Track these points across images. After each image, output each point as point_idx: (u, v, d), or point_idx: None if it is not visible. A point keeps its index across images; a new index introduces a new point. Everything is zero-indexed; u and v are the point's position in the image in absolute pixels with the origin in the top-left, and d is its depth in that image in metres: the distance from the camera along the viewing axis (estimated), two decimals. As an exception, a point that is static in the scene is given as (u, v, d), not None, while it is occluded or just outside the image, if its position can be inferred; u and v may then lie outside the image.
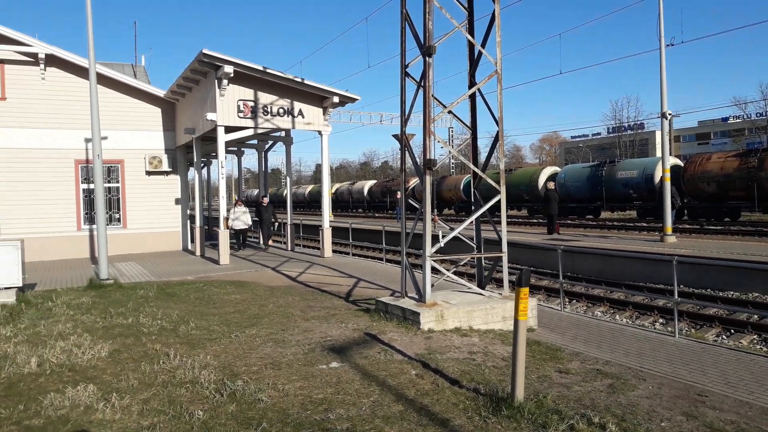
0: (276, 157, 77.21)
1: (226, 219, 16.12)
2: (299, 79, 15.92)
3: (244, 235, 19.82)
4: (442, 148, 67.06)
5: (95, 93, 12.88)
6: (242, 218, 19.02)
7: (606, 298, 13.38)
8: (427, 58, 8.05)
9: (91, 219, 18.42)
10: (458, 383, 5.53)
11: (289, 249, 18.97)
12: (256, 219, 20.45)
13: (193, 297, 10.56)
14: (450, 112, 8.65)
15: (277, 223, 21.82)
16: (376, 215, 46.36)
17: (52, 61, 18.03)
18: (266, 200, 19.89)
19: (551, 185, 24.06)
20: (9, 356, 6.62)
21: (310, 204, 60.52)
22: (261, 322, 8.27)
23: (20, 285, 10.43)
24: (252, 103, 15.88)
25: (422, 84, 8.22)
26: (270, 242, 20.08)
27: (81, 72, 17.90)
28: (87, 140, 18.15)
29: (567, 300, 13.28)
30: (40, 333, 7.82)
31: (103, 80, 18.10)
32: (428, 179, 8.14)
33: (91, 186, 17.48)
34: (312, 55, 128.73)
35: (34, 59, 17.83)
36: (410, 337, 7.24)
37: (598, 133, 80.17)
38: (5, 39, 17.35)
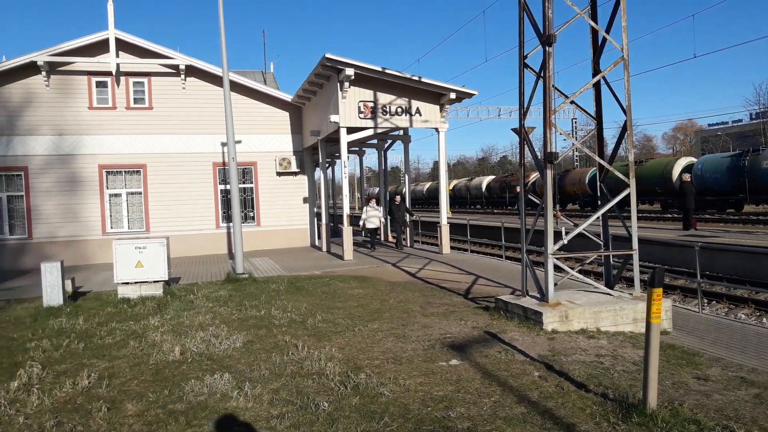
0: (395, 156, 78.40)
1: (350, 216, 16.54)
2: (416, 78, 15.98)
3: (377, 234, 19.23)
4: (564, 140, 64.59)
5: (229, 100, 13.71)
6: (374, 217, 18.69)
7: (751, 300, 12.21)
8: (546, 48, 7.74)
9: (228, 217, 19.70)
10: (584, 387, 5.27)
11: (408, 245, 19.10)
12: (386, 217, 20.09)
13: (319, 291, 10.93)
14: (572, 102, 8.27)
15: (410, 221, 19.84)
16: (495, 211, 45.56)
17: (191, 71, 19.47)
18: (399, 198, 19.13)
19: (687, 177, 22.30)
20: (156, 344, 7.21)
21: (428, 200, 60.70)
22: (382, 317, 8.39)
23: (166, 279, 11.35)
24: (372, 104, 16.17)
25: (542, 74, 7.92)
26: (390, 238, 20.35)
27: (216, 80, 19.19)
28: (223, 144, 19.43)
29: (705, 301, 12.27)
30: (183, 323, 8.44)
31: (236, 87, 19.29)
32: (549, 173, 7.83)
33: (228, 187, 18.68)
34: (429, 52, 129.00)
35: (175, 70, 19.35)
36: (532, 337, 7.01)
37: (739, 120, 73.35)
38: (152, 53, 18.97)
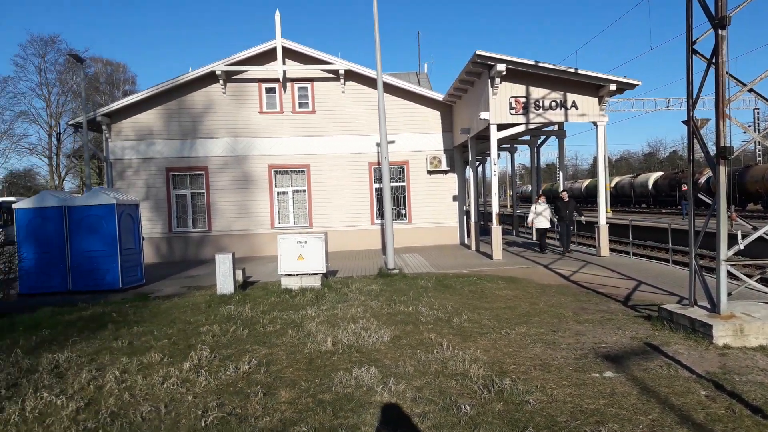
0: (550, 152, 75.41)
1: (499, 215, 16.15)
2: (572, 69, 15.17)
3: (548, 235, 17.61)
4: (744, 133, 57.90)
5: (382, 103, 14.02)
6: (545, 216, 17.13)
7: None
8: (719, 31, 6.92)
9: (382, 214, 20.24)
10: (761, 412, 4.62)
11: (563, 246, 18.21)
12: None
13: (467, 290, 10.80)
14: (751, 90, 7.31)
15: (580, 221, 18.17)
16: (663, 211, 42.04)
17: (349, 75, 20.25)
18: (566, 195, 17.21)
19: None
20: (312, 334, 7.56)
21: (586, 199, 57.62)
22: (531, 321, 8.07)
23: (324, 272, 11.90)
24: (523, 99, 15.65)
25: (714, 61, 7.09)
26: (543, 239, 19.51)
27: (373, 83, 19.77)
28: (378, 144, 19.97)
29: None
30: (337, 315, 8.78)
31: (390, 89, 19.73)
32: (722, 170, 7.00)
33: (381, 185, 19.19)
34: (588, 43, 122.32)
35: (335, 75, 20.24)
36: (699, 352, 6.31)
37: None
38: (315, 60, 20.02)
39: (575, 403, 4.95)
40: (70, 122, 21.43)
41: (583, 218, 16.95)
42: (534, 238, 20.93)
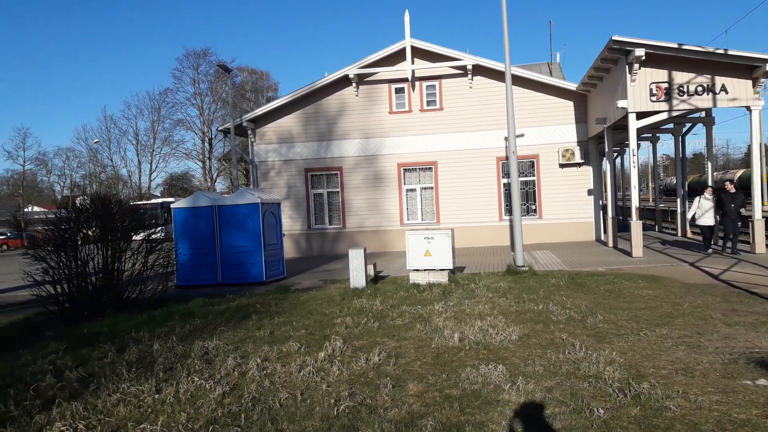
0: (697, 141, 69.27)
1: (639, 209, 15.15)
2: (721, 51, 13.82)
3: (713, 233, 15.46)
4: None
5: (510, 95, 13.69)
6: (711, 210, 14.97)
7: None
8: None
9: (510, 210, 19.78)
10: None
11: (731, 247, 16.42)
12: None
13: (602, 289, 10.26)
14: None
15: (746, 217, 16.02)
16: (834, 201, 37.05)
17: (477, 70, 20.00)
18: (731, 186, 15.24)
19: None
20: (439, 329, 7.58)
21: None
22: (674, 322, 7.48)
23: (451, 268, 11.88)
24: (665, 85, 14.51)
25: None
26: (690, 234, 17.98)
27: (501, 76, 19.36)
28: (506, 139, 19.53)
29: None
30: (464, 311, 8.72)
31: (519, 81, 19.20)
32: None
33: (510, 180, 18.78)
34: (741, 21, 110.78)
35: (463, 71, 20.09)
36: None
37: None
38: (442, 57, 20.01)
39: (722, 411, 4.52)
40: (220, 128, 23.24)
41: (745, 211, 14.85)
42: (680, 234, 19.37)
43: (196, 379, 5.88)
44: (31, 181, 69.77)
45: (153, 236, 11.05)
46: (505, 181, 20.03)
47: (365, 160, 20.97)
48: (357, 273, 11.96)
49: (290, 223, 21.00)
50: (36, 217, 67.46)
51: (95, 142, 64.31)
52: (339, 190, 21.20)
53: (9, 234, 57.98)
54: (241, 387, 5.73)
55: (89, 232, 10.10)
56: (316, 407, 5.08)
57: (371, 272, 13.12)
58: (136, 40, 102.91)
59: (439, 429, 4.50)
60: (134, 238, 10.67)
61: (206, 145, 52.79)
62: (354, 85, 20.64)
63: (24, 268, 9.90)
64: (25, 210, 65.53)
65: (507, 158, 19.78)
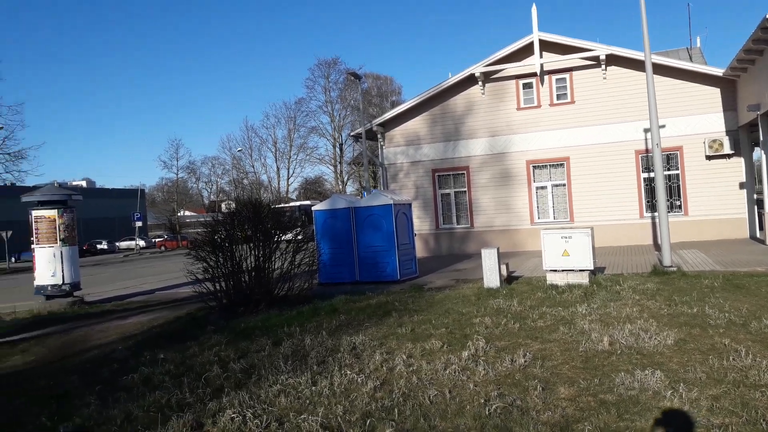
0: None
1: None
2: None
3: None
4: None
5: (652, 85, 12.87)
6: None
7: None
8: None
9: (652, 207, 18.57)
10: None
11: None
12: None
13: (764, 291, 9.33)
14: None
15: None
16: None
17: (611, 60, 18.99)
18: None
19: None
20: (585, 332, 7.28)
21: None
22: None
23: (592, 268, 11.37)
24: (837, 64, 12.88)
25: None
26: None
27: (637, 65, 18.22)
28: (645, 130, 18.35)
29: None
30: (610, 314, 8.31)
31: (658, 69, 17.91)
32: None
33: (651, 174, 17.62)
34: None
35: (595, 62, 19.16)
36: None
37: None
38: (572, 49, 19.24)
39: None
40: (351, 133, 24.09)
41: None
42: None
43: (348, 372, 6.13)
44: (182, 188, 76.46)
45: (298, 237, 11.66)
46: (644, 175, 18.82)
47: (493, 158, 20.67)
48: (490, 273, 11.81)
49: (419, 223, 21.21)
50: (188, 220, 74.05)
51: (239, 151, 69.20)
52: (466, 189, 21.08)
53: (166, 236, 63.87)
54: (390, 382, 5.88)
55: (242, 234, 10.88)
56: (467, 406, 5.09)
57: (504, 272, 12.90)
58: (272, 54, 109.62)
59: (597, 434, 4.34)
60: (282, 238, 11.33)
61: (337, 150, 54.84)
62: (480, 83, 20.43)
63: (187, 267, 10.87)
64: (179, 214, 71.99)
65: (647, 151, 18.59)
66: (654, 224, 18.37)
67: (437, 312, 9.35)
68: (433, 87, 21.13)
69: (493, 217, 20.64)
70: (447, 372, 6.03)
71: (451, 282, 13.28)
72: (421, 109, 21.53)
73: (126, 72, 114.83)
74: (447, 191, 21.48)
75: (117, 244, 59.73)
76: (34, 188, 38.71)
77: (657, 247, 16.83)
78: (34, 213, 14.53)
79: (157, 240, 61.95)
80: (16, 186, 49.01)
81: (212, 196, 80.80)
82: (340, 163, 54.98)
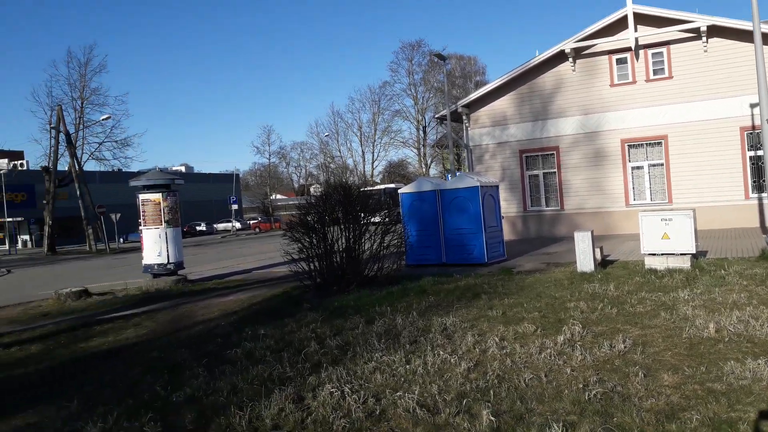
0: None
1: None
2: None
3: None
4: None
5: (761, 56, 11.90)
6: None
7: None
8: None
9: (759, 187, 17.25)
10: None
11: None
12: None
13: None
14: None
15: None
16: None
17: (713, 31, 17.69)
18: None
19: None
20: (688, 319, 6.92)
21: None
22: None
23: (694, 252, 10.76)
24: None
25: None
26: None
27: (743, 36, 16.86)
28: (752, 106, 17.01)
29: None
30: (715, 300, 7.84)
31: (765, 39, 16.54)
32: None
33: (759, 153, 16.36)
34: None
35: (695, 34, 17.91)
36: None
37: None
38: (671, 21, 18.08)
39: None
40: (436, 116, 23.93)
41: None
42: None
43: (441, 353, 6.16)
44: (273, 172, 79.15)
45: (386, 219, 11.79)
46: (751, 154, 17.48)
47: (584, 137, 19.88)
48: (584, 256, 11.44)
49: (505, 205, 20.78)
50: (279, 203, 76.69)
51: (326, 136, 70.65)
52: (555, 170, 20.44)
53: (259, 219, 66.54)
54: (483, 364, 5.86)
55: (333, 217, 11.13)
56: (564, 390, 4.98)
57: (598, 256, 12.45)
58: (358, 39, 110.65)
59: (706, 424, 4.12)
60: (372, 220, 11.50)
61: (420, 133, 54.73)
62: (570, 60, 19.65)
63: (283, 248, 11.27)
64: (271, 197, 74.70)
65: (753, 128, 17.24)
66: (761, 206, 17.07)
67: (528, 296, 9.18)
68: (520, 65, 20.56)
69: (584, 199, 19.91)
70: (542, 356, 5.92)
71: (541, 265, 12.98)
72: (507, 88, 21.01)
73: (221, 63, 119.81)
74: (535, 172, 20.92)
75: (214, 226, 62.86)
76: (139, 173, 41.36)
77: (765, 230, 15.66)
78: (141, 196, 15.53)
79: (251, 222, 64.69)
80: (122, 171, 52.57)
81: (301, 180, 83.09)
82: (423, 145, 54.84)
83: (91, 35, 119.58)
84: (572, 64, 19.73)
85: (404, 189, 15.10)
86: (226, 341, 7.90)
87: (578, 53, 19.66)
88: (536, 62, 20.21)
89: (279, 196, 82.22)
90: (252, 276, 16.29)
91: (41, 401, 6.26)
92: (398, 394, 5.12)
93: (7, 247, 50.88)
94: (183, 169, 76.91)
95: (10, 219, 51.67)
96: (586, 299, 8.47)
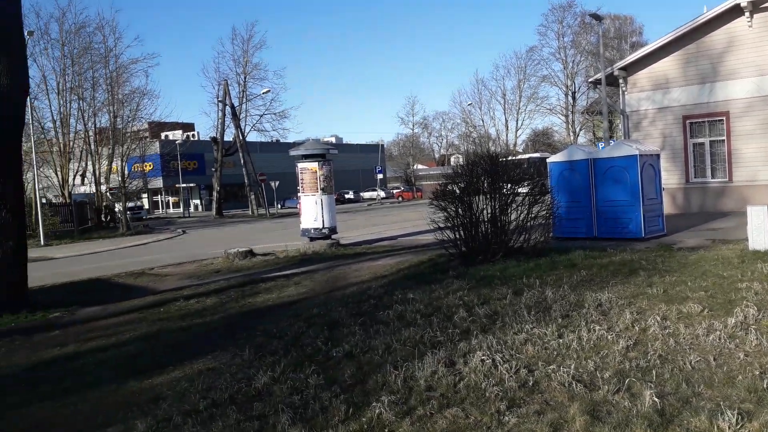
0: None
1: None
2: None
3: None
4: None
5: None
6: None
7: None
8: None
9: None
10: None
11: None
12: None
13: None
14: None
15: None
16: None
17: None
18: None
19: None
20: None
21: None
22: None
23: None
24: None
25: None
26: None
27: None
28: None
29: None
30: None
31: None
32: None
33: None
34: None
35: None
36: None
37: None
38: None
39: None
40: (588, 80, 22.55)
41: None
42: None
43: (596, 329, 5.91)
44: (415, 143, 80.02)
45: (534, 189, 11.43)
46: None
47: (760, 101, 17.62)
48: (757, 233, 10.24)
49: (665, 176, 19.04)
50: (420, 173, 77.55)
51: (468, 105, 69.78)
52: (725, 138, 18.38)
53: (402, 188, 67.95)
54: (643, 343, 5.53)
55: (480, 186, 11.01)
56: (738, 376, 4.56)
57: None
58: (504, 3, 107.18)
59: None
60: (518, 190, 11.22)
61: (569, 99, 51.98)
62: (746, 14, 17.37)
63: (429, 216, 11.40)
64: (413, 167, 75.78)
65: None
66: None
67: (692, 274, 8.44)
68: (686, 23, 18.59)
69: (757, 170, 17.74)
70: (710, 338, 5.45)
71: (705, 242, 11.87)
72: (670, 48, 19.13)
73: (368, 37, 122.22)
74: (700, 140, 18.99)
75: (361, 194, 65.21)
76: (294, 144, 43.83)
77: None
78: (300, 165, 16.49)
79: (395, 191, 66.22)
80: (279, 142, 56.13)
81: (442, 150, 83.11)
82: (572, 112, 52.00)
83: (252, 13, 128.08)
84: (749, 19, 17.44)
85: (553, 158, 14.49)
86: (378, 303, 8.22)
87: (756, 7, 17.31)
88: (705, 18, 18.15)
89: (420, 166, 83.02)
90: (398, 242, 16.73)
91: (218, 348, 6.99)
92: (552, 367, 5.01)
93: (181, 210, 56.92)
94: (333, 139, 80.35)
95: (184, 185, 57.62)
96: (760, 280, 7.61)
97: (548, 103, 56.51)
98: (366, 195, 64.98)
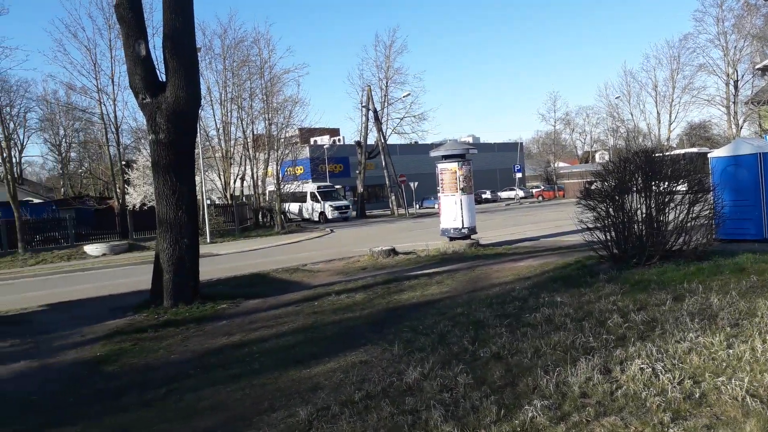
0: None
1: None
2: None
3: None
4: None
5: None
6: None
7: None
8: None
9: None
10: None
11: None
12: None
13: None
14: None
15: None
16: None
17: None
18: None
19: None
20: None
21: None
22: None
23: None
24: None
25: None
26: None
27: None
28: None
29: None
30: None
31: None
32: None
33: None
34: None
35: None
36: None
37: None
38: None
39: None
40: (756, 67, 20.19)
41: None
42: None
43: (770, 339, 5.30)
44: (556, 140, 76.98)
45: (695, 187, 10.48)
46: None
47: None
48: None
49: None
50: (562, 171, 74.42)
51: (616, 98, 65.72)
52: None
53: (543, 187, 65.67)
54: (836, 360, 4.86)
55: (633, 183, 10.31)
56: None
57: None
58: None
59: None
60: (675, 188, 10.34)
61: (731, 88, 46.89)
62: None
63: (577, 216, 10.91)
64: (554, 165, 72.96)
65: None
66: None
67: None
68: None
69: None
70: None
71: None
72: None
73: (507, 34, 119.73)
74: None
75: (498, 194, 64.04)
76: (431, 146, 44.11)
77: None
78: (440, 166, 16.60)
79: (534, 190, 64.18)
80: (417, 144, 56.87)
81: (585, 147, 79.06)
82: (734, 103, 46.80)
83: (394, 19, 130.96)
84: None
85: (715, 152, 13.18)
86: (524, 305, 8.03)
87: None
88: None
89: (561, 164, 79.61)
90: (540, 243, 16.21)
91: (368, 342, 7.26)
92: (721, 379, 4.58)
93: (324, 209, 59.70)
94: (470, 139, 79.78)
95: (332, 187, 60.38)
96: None
97: (706, 93, 51.35)
98: (504, 195, 63.65)
